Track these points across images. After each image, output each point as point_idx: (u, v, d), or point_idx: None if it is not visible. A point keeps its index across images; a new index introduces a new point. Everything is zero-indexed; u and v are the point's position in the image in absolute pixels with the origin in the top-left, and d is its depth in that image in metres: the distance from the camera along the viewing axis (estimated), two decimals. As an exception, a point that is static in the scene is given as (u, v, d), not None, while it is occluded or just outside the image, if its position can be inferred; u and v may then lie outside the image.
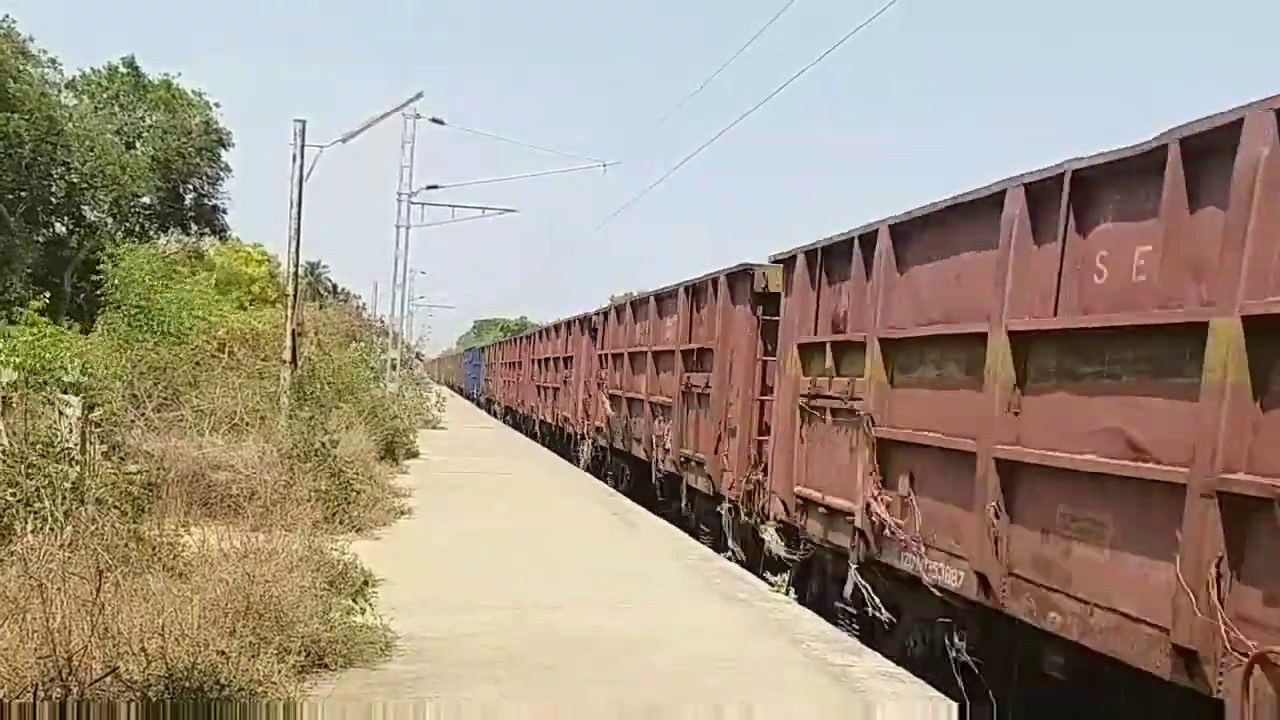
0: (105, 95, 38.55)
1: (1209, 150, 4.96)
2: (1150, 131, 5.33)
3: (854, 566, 8.19)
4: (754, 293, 11.67)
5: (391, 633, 6.77)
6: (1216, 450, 4.66)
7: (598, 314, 20.87)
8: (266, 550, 7.36)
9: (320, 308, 34.42)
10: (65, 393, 9.26)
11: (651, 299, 16.37)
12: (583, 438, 21.80)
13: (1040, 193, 6.13)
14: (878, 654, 7.45)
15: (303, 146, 15.90)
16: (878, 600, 7.93)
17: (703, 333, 13.37)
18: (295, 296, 16.20)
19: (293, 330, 15.73)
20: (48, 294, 17.89)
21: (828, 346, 8.99)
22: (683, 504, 14.04)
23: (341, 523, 10.96)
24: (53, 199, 34.69)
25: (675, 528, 13.59)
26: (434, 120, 31.64)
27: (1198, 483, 4.73)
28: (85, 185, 33.83)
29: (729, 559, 11.55)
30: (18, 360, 9.30)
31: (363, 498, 12.20)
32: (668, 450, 14.47)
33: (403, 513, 12.83)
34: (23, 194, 32.37)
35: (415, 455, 20.53)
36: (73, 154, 32.62)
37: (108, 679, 4.76)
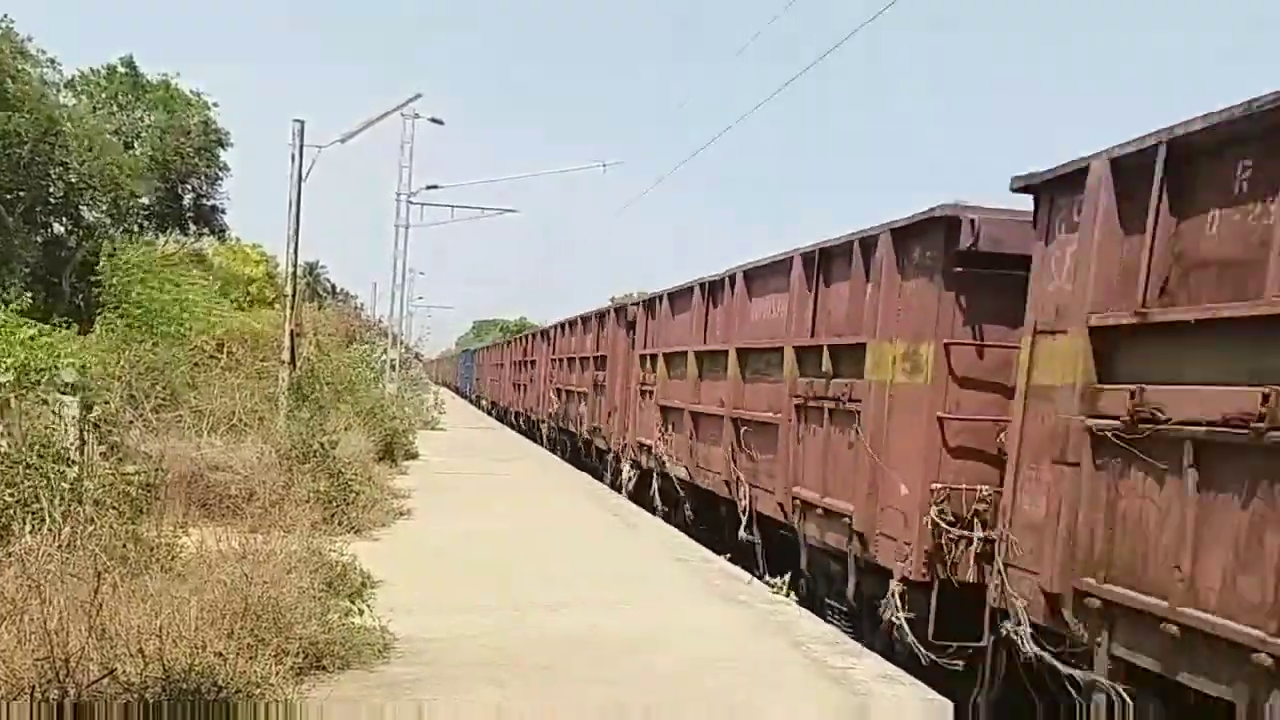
0: (104, 95, 38.50)
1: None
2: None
3: (656, 475, 14.92)
4: (626, 321, 17.77)
5: (390, 634, 6.75)
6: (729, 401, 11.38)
7: (545, 332, 29.17)
8: (264, 551, 7.35)
9: (319, 308, 34.41)
10: (63, 393, 9.24)
11: (579, 320, 23.13)
12: (542, 421, 28.56)
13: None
14: (878, 656, 7.44)
15: (301, 146, 15.90)
16: (658, 487, 14.92)
17: (604, 344, 19.77)
18: (294, 297, 16.19)
19: (291, 331, 15.72)
20: (29, 294, 17.80)
21: (649, 357, 15.70)
22: (592, 458, 21.16)
23: (340, 524, 10.94)
24: (51, 199, 34.61)
25: (673, 528, 13.58)
26: (433, 120, 31.69)
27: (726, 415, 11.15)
28: (84, 185, 33.75)
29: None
30: (10, 360, 9.27)
31: (361, 499, 12.18)
32: (583, 423, 21.73)
33: (401, 514, 12.81)
34: (21, 194, 32.31)
35: (414, 456, 20.51)
36: (71, 154, 32.55)
37: (105, 681, 4.75)
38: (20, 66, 31.81)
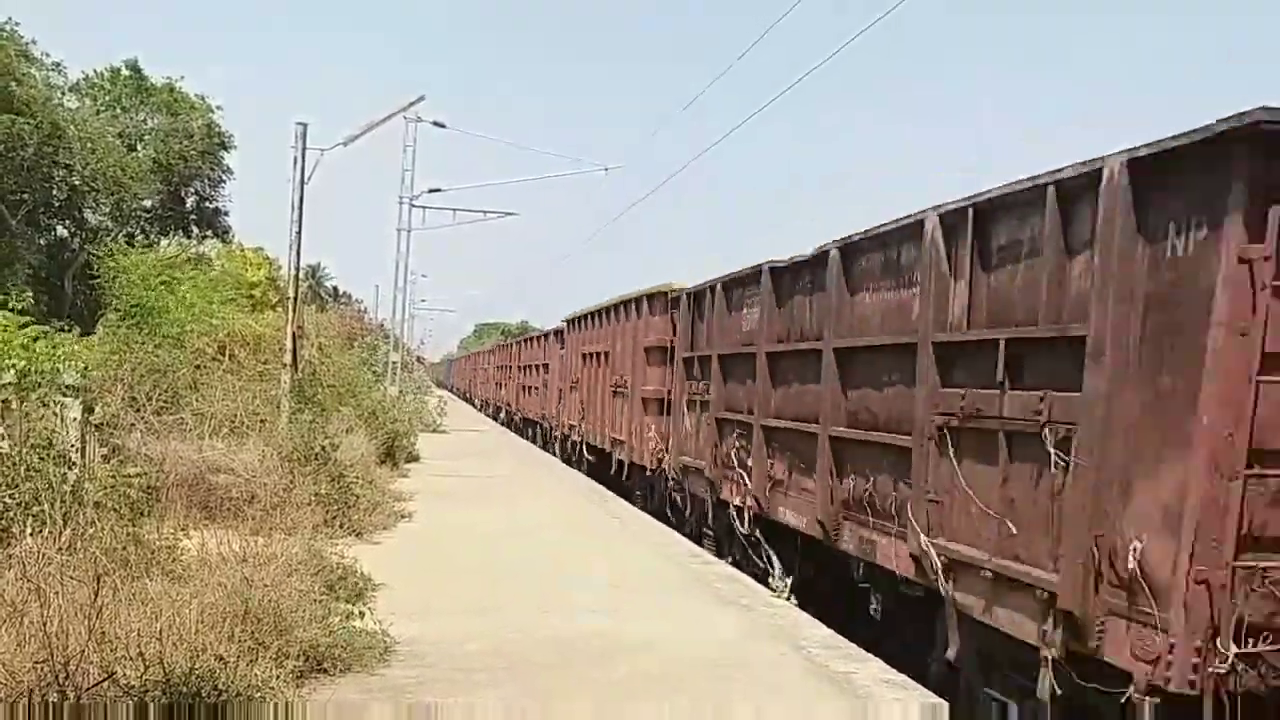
0: (107, 98, 38.55)
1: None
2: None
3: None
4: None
5: (391, 637, 6.74)
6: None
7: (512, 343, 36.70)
8: (266, 554, 7.34)
9: (321, 311, 34.40)
10: (64, 395, 9.23)
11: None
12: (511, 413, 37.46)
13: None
14: (880, 660, 7.41)
15: (304, 150, 15.90)
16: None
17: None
18: (296, 299, 16.18)
19: (293, 333, 15.71)
20: (29, 294, 17.75)
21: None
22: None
23: (341, 526, 10.93)
24: (54, 201, 34.66)
25: (675, 532, 13.55)
26: (435, 124, 31.67)
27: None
28: (87, 188, 33.79)
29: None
30: (10, 362, 9.26)
31: (363, 501, 12.17)
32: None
33: (403, 516, 12.81)
34: (24, 196, 32.34)
35: (416, 459, 20.51)
36: (74, 157, 32.59)
37: (105, 684, 4.73)
38: (25, 70, 31.85)
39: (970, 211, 6.67)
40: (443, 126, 31.74)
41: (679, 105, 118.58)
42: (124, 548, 7.00)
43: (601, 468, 19.98)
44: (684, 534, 13.30)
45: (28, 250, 32.77)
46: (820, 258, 9.33)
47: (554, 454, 25.92)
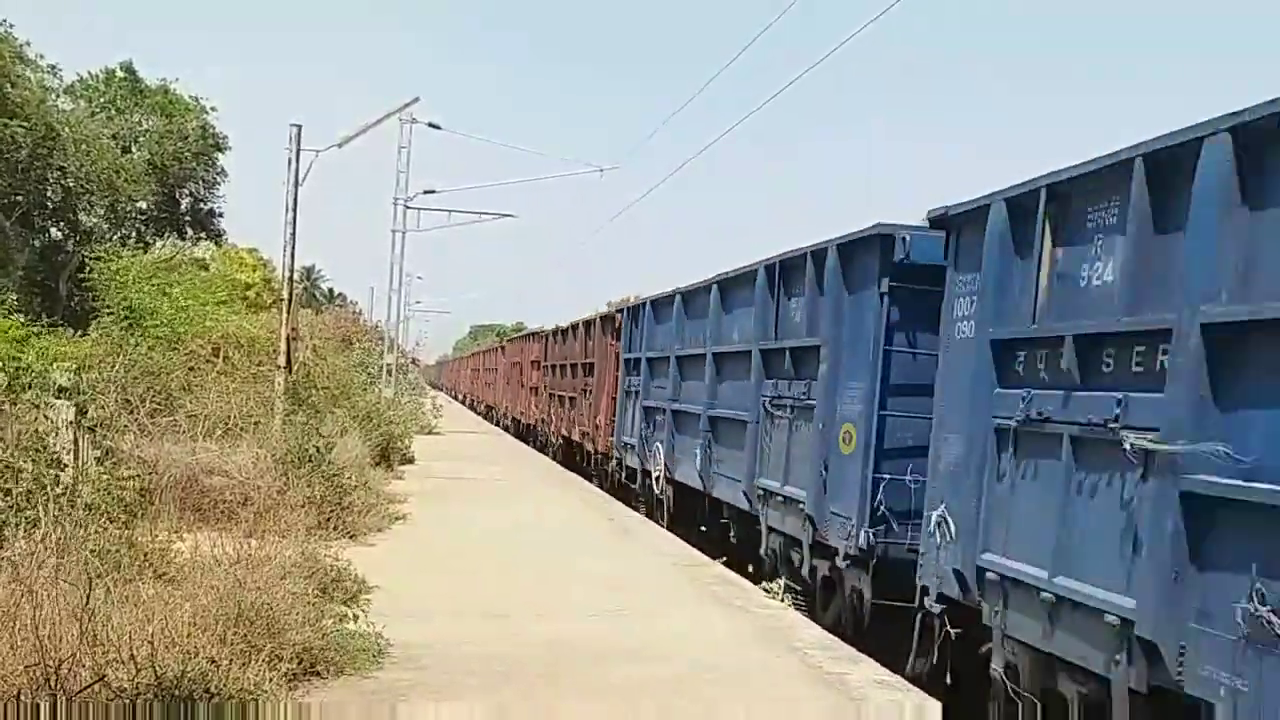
0: (102, 100, 38.49)
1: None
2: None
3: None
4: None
5: (384, 640, 6.72)
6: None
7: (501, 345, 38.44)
8: (259, 556, 7.32)
9: (316, 312, 34.36)
10: (57, 397, 9.21)
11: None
12: (505, 413, 38.75)
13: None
14: (874, 662, 7.42)
15: (298, 151, 15.87)
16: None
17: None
18: (290, 301, 16.16)
19: (287, 335, 15.69)
20: (14, 296, 17.71)
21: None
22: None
23: (335, 529, 10.90)
24: (48, 203, 34.59)
25: (669, 533, 13.56)
26: (430, 125, 31.60)
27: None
28: (81, 190, 33.74)
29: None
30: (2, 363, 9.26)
31: (357, 504, 12.15)
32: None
33: (397, 518, 12.78)
34: (18, 198, 32.28)
35: (410, 461, 20.49)
36: (69, 158, 32.53)
37: (96, 687, 4.72)
38: (19, 71, 31.80)
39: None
40: (438, 128, 31.69)
41: (675, 106, 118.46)
42: (117, 550, 6.98)
43: (569, 453, 24.68)
44: (635, 509, 16.26)
45: (21, 252, 32.70)
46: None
47: (527, 444, 30.41)
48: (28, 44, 33.37)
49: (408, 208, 33.21)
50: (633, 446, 16.89)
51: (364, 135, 18.91)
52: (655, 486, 15.45)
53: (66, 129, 32.79)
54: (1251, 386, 4.57)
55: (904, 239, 8.34)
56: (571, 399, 24.07)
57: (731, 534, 12.20)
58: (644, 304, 17.04)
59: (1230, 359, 4.66)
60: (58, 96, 35.96)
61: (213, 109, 39.95)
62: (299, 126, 15.89)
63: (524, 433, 32.76)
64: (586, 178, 33.97)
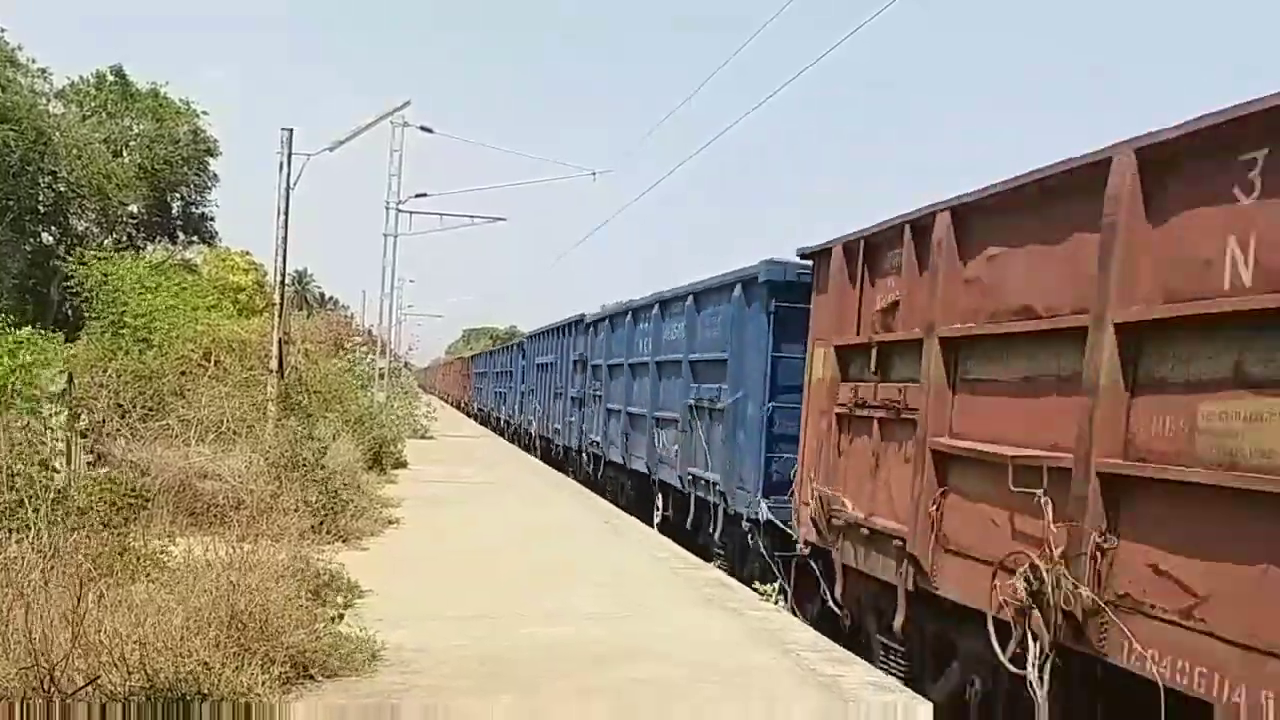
0: (93, 104, 38.46)
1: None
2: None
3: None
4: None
5: (377, 643, 6.72)
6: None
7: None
8: (252, 560, 7.31)
9: (308, 316, 34.31)
10: (50, 401, 9.20)
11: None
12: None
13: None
14: (867, 664, 7.45)
15: (289, 155, 15.88)
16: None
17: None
18: (282, 305, 16.15)
19: (279, 339, 15.68)
20: (6, 300, 17.73)
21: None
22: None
23: (328, 532, 10.89)
24: (40, 208, 34.54)
25: (665, 537, 13.57)
26: (422, 128, 31.55)
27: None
28: (72, 194, 33.71)
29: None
30: None
31: (350, 507, 12.13)
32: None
33: (390, 522, 12.76)
34: (10, 203, 32.22)
35: (403, 465, 20.47)
36: (60, 163, 32.50)
37: (89, 689, 4.72)
38: (10, 76, 31.76)
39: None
40: (430, 131, 31.65)
41: (667, 109, 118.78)
42: (109, 554, 6.97)
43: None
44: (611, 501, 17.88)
45: (12, 257, 32.62)
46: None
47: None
48: (19, 48, 33.35)
49: (400, 211, 33.18)
50: (597, 441, 19.86)
51: (356, 139, 18.93)
52: (592, 465, 20.40)
53: (57, 133, 32.78)
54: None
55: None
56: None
57: (668, 509, 15.14)
58: (602, 318, 20.10)
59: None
60: (48, 101, 35.93)
61: (204, 113, 39.97)
62: (290, 130, 15.91)
63: (503, 430, 37.62)
64: (579, 181, 33.99)
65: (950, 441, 6.91)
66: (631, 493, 17.32)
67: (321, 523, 10.95)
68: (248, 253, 41.16)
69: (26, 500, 7.23)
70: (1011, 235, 6.48)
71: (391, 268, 33.73)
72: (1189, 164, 5.07)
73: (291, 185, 15.92)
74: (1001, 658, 5.92)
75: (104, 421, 10.93)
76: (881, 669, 7.62)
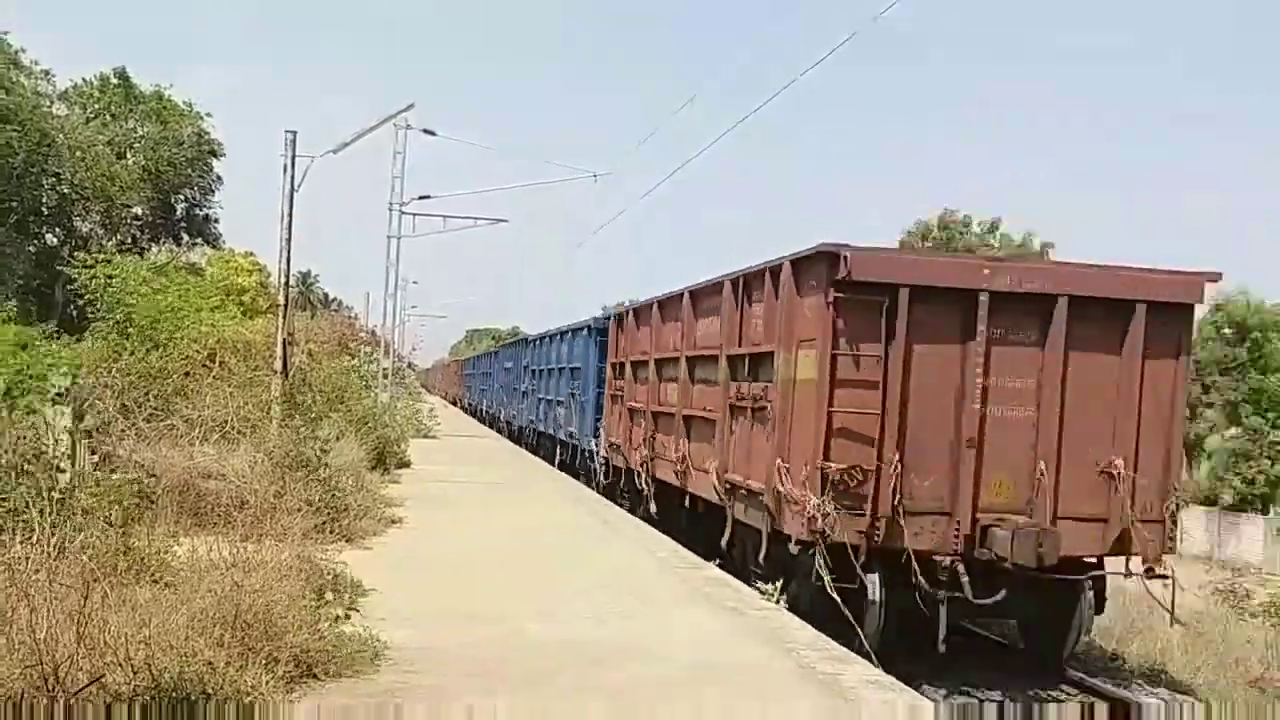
0: (97, 106, 38.54)
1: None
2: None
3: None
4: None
5: (381, 642, 6.76)
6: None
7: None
8: (256, 560, 7.34)
9: (311, 317, 34.37)
10: (55, 402, 9.24)
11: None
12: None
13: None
14: (866, 662, 7.47)
15: (293, 157, 15.93)
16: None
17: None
18: (286, 306, 16.20)
19: (283, 340, 15.73)
20: (13, 301, 17.80)
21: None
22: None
23: (332, 532, 10.92)
24: (44, 209, 34.63)
25: (666, 536, 13.60)
26: (425, 131, 31.59)
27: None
28: (76, 196, 33.78)
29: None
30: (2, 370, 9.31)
31: (354, 507, 12.17)
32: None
33: (394, 522, 12.80)
34: (14, 204, 32.30)
35: (406, 464, 20.51)
36: (64, 165, 32.57)
37: (93, 689, 4.75)
38: (14, 78, 31.84)
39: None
40: (433, 134, 31.68)
41: (669, 111, 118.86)
42: (114, 554, 7.01)
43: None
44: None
45: (17, 259, 32.69)
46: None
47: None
48: (22, 50, 33.44)
49: (403, 213, 33.24)
50: (533, 420, 29.63)
51: (359, 141, 18.97)
52: (533, 438, 29.67)
53: (61, 135, 32.85)
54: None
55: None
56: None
57: (565, 455, 24.44)
58: (532, 339, 31.05)
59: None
60: (52, 103, 36.01)
61: (207, 115, 40.05)
62: (294, 133, 15.97)
63: (482, 418, 46.51)
64: (581, 183, 33.95)
65: (658, 407, 15.14)
66: (554, 449, 26.02)
67: (325, 522, 10.99)
68: (252, 254, 41.28)
69: (31, 501, 7.27)
70: (701, 309, 13.38)
71: (395, 269, 33.82)
72: (706, 299, 13.23)
73: (296, 187, 15.98)
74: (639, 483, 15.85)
75: (109, 422, 10.96)
76: (622, 506, 16.56)
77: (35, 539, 6.66)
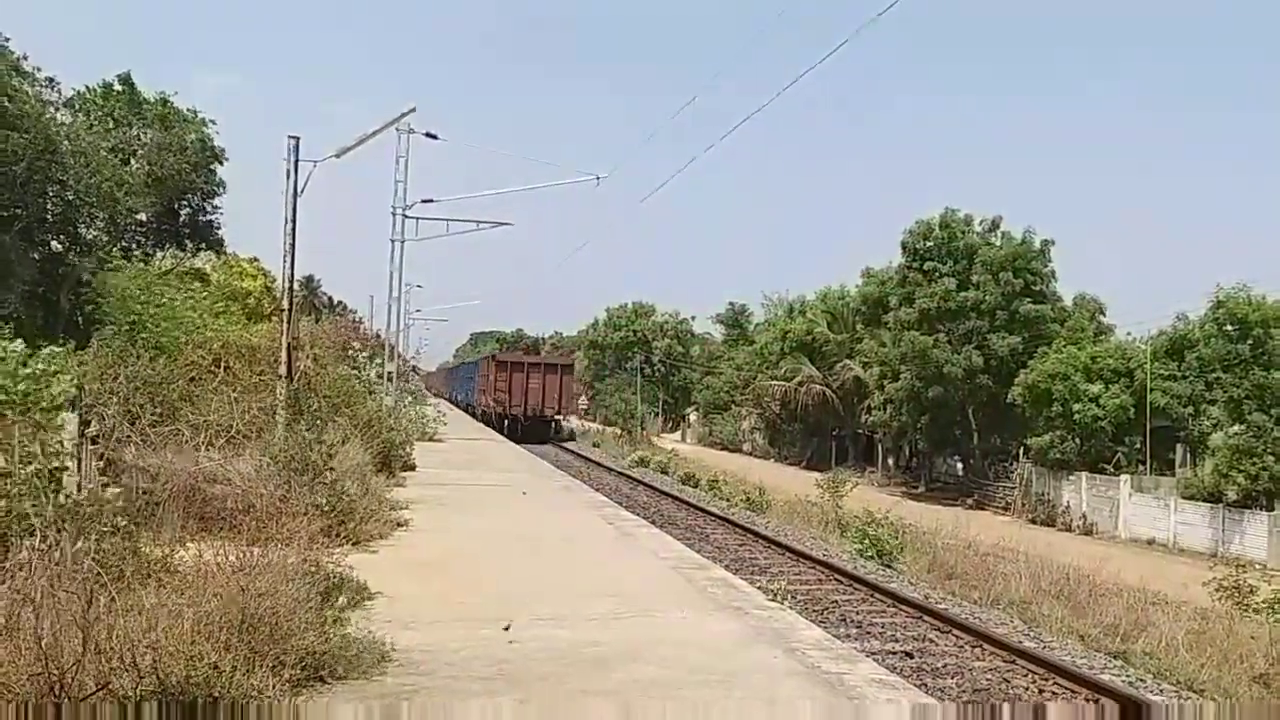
0: (100, 112, 38.61)
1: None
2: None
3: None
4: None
5: (387, 645, 6.78)
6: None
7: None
8: (262, 563, 7.37)
9: (316, 322, 34.42)
10: (60, 409, 9.28)
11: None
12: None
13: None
14: (872, 661, 7.48)
15: (296, 162, 15.97)
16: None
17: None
18: (290, 311, 16.24)
19: (288, 344, 15.77)
20: (19, 308, 17.80)
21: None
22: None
23: (338, 535, 10.96)
24: (49, 216, 34.65)
25: (671, 538, 13.61)
26: (428, 135, 31.64)
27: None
28: (81, 203, 33.81)
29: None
30: (9, 384, 9.34)
31: (359, 511, 12.19)
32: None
33: (399, 525, 12.83)
34: (19, 211, 32.33)
35: (411, 468, 20.55)
36: (68, 171, 32.60)
37: (100, 694, 4.77)
38: (17, 85, 31.88)
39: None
40: (435, 138, 31.73)
41: (669, 114, 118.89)
42: (120, 559, 7.04)
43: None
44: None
45: (22, 265, 32.75)
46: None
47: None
48: (25, 57, 33.51)
49: (406, 217, 33.30)
50: (473, 404, 63.94)
51: (362, 145, 19.02)
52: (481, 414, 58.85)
53: (65, 142, 32.87)
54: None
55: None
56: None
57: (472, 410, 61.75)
58: (472, 360, 76.58)
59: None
60: (56, 109, 36.06)
61: (211, 121, 40.11)
62: (296, 139, 16.00)
63: (462, 407, 68.51)
64: (583, 186, 33.93)
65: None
66: (473, 410, 60.16)
67: (331, 526, 11.02)
68: (256, 259, 41.34)
69: (36, 507, 7.30)
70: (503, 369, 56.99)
71: (399, 272, 33.89)
72: (492, 364, 59.27)
73: (299, 192, 16.02)
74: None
75: (114, 428, 10.99)
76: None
77: (40, 544, 6.69)
